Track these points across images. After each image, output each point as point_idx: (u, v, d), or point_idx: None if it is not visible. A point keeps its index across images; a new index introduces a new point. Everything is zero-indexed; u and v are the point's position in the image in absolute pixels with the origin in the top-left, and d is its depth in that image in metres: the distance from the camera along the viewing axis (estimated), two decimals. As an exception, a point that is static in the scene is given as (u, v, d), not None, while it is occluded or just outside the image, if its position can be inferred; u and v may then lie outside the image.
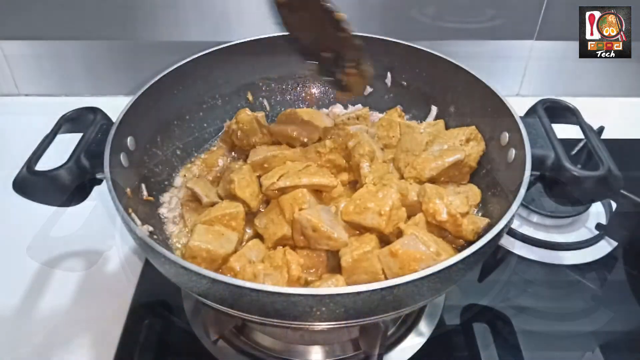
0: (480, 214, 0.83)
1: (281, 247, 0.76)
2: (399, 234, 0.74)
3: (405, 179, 0.84)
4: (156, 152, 0.90)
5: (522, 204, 0.67)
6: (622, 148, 1.08)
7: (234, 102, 1.03)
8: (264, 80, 1.05)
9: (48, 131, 0.77)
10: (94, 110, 0.81)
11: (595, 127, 1.06)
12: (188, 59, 0.92)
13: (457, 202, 0.77)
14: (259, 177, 0.85)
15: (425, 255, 0.68)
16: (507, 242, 1.00)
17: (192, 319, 0.86)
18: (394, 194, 0.76)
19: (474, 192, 0.84)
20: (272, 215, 0.80)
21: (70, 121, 0.80)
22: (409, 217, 0.78)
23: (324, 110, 1.08)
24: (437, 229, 0.78)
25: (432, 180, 0.83)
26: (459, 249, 0.77)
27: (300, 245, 0.77)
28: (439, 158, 0.83)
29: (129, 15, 1.23)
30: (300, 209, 0.76)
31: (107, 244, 0.99)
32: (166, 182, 0.92)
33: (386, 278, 0.69)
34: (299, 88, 1.08)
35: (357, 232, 0.78)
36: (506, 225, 0.64)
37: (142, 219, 0.78)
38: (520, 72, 1.37)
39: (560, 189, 0.73)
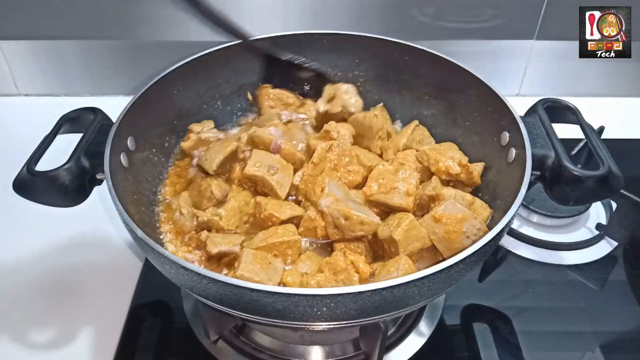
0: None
1: (338, 250, 0.75)
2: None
3: None
4: (156, 152, 0.90)
5: (522, 204, 0.67)
6: (622, 148, 1.08)
7: (234, 102, 1.03)
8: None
9: (48, 131, 0.77)
10: (94, 110, 0.81)
11: (596, 127, 1.06)
12: (188, 59, 0.92)
13: (457, 154, 0.84)
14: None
15: (467, 215, 0.72)
16: (507, 242, 1.00)
17: (192, 319, 0.86)
18: (415, 173, 0.80)
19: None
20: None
21: (70, 121, 0.80)
22: None
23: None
24: (447, 184, 0.83)
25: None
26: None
27: (335, 239, 0.76)
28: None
29: (129, 15, 1.23)
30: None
31: (107, 244, 0.99)
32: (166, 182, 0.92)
33: (433, 244, 0.74)
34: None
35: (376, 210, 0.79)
36: (506, 225, 0.64)
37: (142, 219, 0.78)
38: (520, 72, 1.37)
39: (560, 188, 0.73)
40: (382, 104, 1.00)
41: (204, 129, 0.95)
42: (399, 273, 0.68)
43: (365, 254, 0.76)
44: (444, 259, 0.68)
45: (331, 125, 0.87)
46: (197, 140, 0.92)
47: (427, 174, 0.84)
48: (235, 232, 0.80)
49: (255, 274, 0.68)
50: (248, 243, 0.76)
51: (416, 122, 0.95)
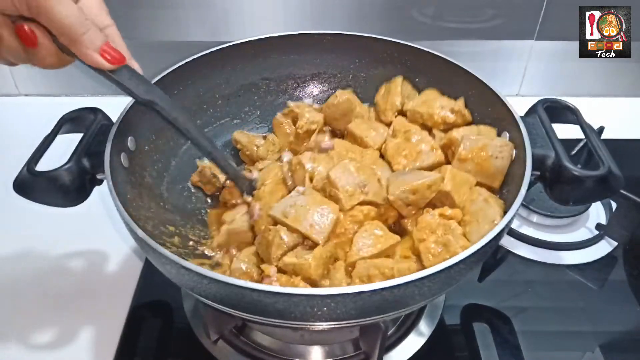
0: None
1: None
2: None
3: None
4: (156, 152, 0.90)
5: (522, 204, 0.67)
6: (622, 148, 1.08)
7: (233, 102, 1.04)
8: (264, 80, 1.05)
9: (48, 131, 0.77)
10: (95, 110, 0.81)
11: (596, 127, 1.06)
12: (188, 59, 0.92)
13: (444, 101, 0.87)
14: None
15: (485, 141, 0.76)
16: (507, 242, 1.00)
17: (192, 319, 0.86)
18: (423, 132, 0.84)
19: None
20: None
21: (70, 121, 0.80)
22: None
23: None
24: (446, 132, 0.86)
25: None
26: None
27: (412, 215, 0.77)
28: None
29: (129, 15, 1.23)
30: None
31: (107, 244, 0.99)
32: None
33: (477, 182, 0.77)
34: (299, 88, 1.08)
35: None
36: (506, 225, 0.64)
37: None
38: (520, 72, 1.37)
39: (560, 188, 0.73)
40: (351, 89, 1.03)
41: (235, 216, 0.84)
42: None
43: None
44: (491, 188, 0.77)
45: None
46: (227, 234, 0.82)
47: (425, 129, 0.88)
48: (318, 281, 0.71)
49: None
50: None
51: (401, 77, 0.96)
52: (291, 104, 1.01)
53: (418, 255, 0.72)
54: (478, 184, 0.78)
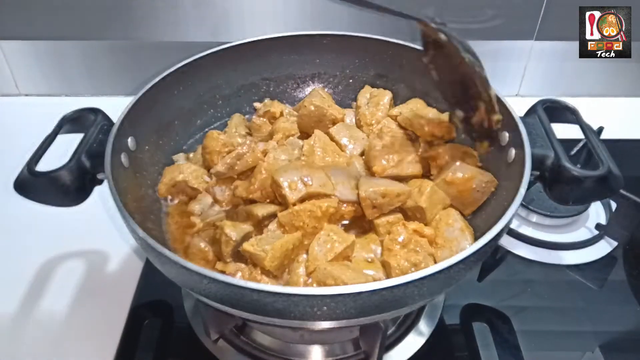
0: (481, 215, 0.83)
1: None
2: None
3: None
4: (156, 152, 0.90)
5: (522, 204, 0.67)
6: (622, 148, 1.08)
7: (234, 102, 1.04)
8: (264, 80, 1.05)
9: (49, 131, 0.77)
10: (95, 110, 0.81)
11: (595, 127, 1.06)
12: (188, 60, 0.92)
13: (434, 115, 0.89)
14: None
15: (475, 173, 0.79)
16: (507, 242, 1.00)
17: (192, 319, 0.86)
18: (408, 142, 0.86)
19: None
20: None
21: (71, 121, 0.80)
22: None
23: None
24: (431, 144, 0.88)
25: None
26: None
27: (374, 217, 0.78)
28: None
29: (129, 15, 1.23)
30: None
31: (107, 244, 0.99)
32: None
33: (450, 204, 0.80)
34: (299, 88, 1.08)
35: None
36: (506, 225, 0.64)
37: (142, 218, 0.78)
38: (520, 72, 1.37)
39: (560, 188, 0.73)
40: (320, 86, 1.04)
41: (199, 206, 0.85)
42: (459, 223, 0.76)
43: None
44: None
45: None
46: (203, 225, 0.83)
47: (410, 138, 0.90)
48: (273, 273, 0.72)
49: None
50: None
51: (390, 95, 0.97)
52: (265, 103, 1.01)
53: (383, 262, 0.74)
54: (451, 206, 0.81)
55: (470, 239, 0.75)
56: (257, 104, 1.04)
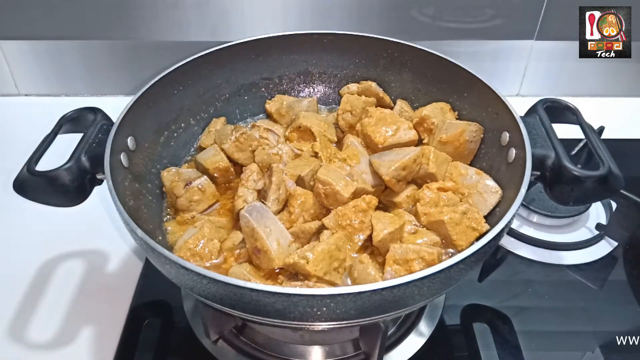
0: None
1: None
2: None
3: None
4: (156, 152, 0.90)
5: (522, 204, 0.67)
6: (622, 148, 1.08)
7: (234, 102, 1.04)
8: (264, 80, 1.05)
9: (48, 131, 0.77)
10: (95, 110, 0.81)
11: (596, 127, 1.06)
12: (188, 59, 0.92)
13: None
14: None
15: (464, 126, 0.86)
16: (507, 242, 1.00)
17: (192, 319, 0.86)
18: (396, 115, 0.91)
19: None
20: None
21: (70, 121, 0.80)
22: None
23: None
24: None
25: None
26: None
27: (401, 189, 0.83)
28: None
29: (129, 15, 1.23)
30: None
31: (107, 244, 0.99)
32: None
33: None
34: (299, 88, 1.08)
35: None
36: (506, 225, 0.64)
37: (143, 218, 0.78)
38: (520, 72, 1.37)
39: (560, 188, 0.73)
40: (314, 97, 1.06)
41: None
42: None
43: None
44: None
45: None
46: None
47: None
48: (323, 279, 0.69)
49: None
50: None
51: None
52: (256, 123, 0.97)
53: (429, 225, 0.78)
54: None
55: (490, 177, 0.81)
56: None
